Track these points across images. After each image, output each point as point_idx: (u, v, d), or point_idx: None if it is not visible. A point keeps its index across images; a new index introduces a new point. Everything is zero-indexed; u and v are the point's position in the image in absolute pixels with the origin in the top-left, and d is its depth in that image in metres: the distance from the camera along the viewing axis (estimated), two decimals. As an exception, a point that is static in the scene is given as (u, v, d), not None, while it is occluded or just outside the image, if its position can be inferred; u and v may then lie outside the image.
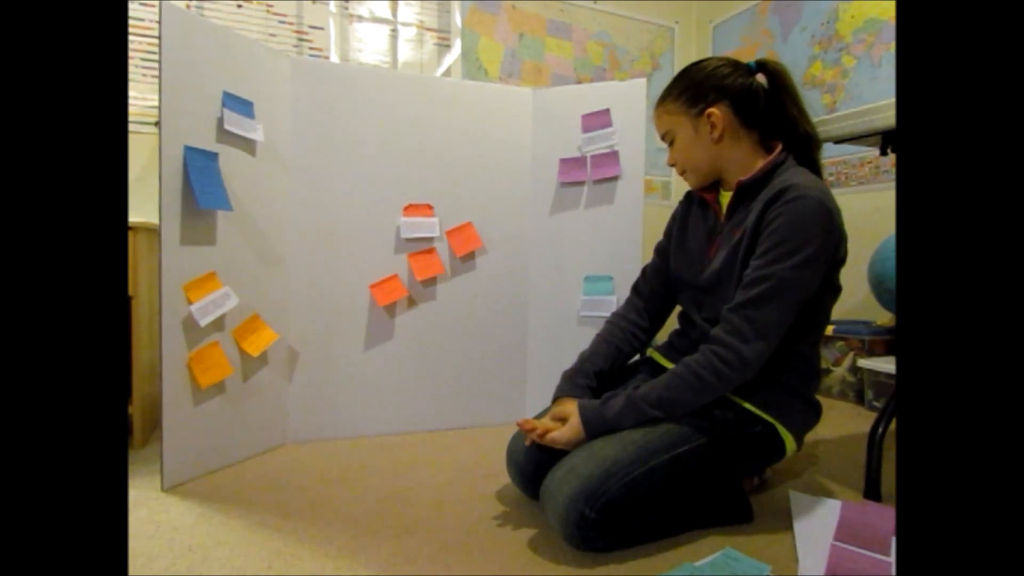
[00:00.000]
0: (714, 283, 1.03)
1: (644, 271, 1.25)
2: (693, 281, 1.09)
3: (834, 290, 1.03)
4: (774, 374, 1.00)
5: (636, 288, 1.25)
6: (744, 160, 1.03)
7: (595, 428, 0.96)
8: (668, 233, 1.21)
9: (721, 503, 1.02)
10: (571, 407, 1.00)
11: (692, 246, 1.12)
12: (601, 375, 1.15)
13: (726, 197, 1.08)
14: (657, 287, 1.21)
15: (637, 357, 1.24)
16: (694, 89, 1.03)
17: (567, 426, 0.98)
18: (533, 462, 1.03)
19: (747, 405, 1.00)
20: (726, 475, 1.03)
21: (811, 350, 1.05)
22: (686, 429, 0.95)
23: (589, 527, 0.86)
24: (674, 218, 1.21)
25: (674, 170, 1.12)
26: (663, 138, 1.10)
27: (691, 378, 0.94)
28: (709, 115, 1.02)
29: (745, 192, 1.01)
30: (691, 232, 1.14)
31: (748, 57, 1.09)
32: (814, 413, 1.06)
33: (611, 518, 0.87)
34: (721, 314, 0.96)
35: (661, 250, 1.22)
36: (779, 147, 1.02)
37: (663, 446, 0.92)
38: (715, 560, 0.87)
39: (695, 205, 1.16)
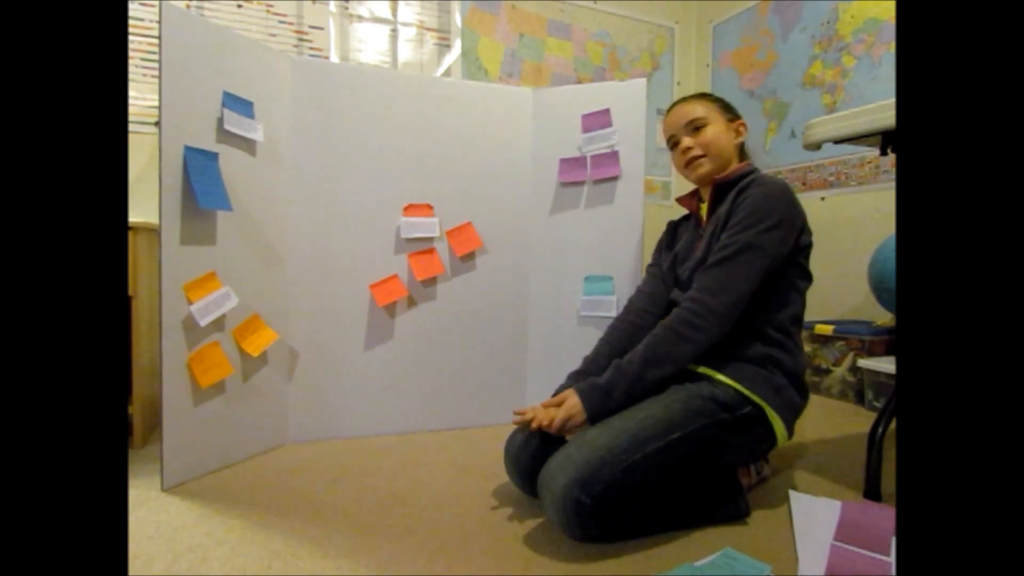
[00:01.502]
0: (696, 270, 1.13)
1: (639, 288, 1.33)
2: (682, 276, 1.21)
3: (805, 276, 1.11)
4: (760, 354, 1.05)
5: (634, 297, 1.31)
6: (726, 160, 1.19)
7: (591, 398, 1.00)
8: (658, 252, 1.35)
9: (717, 495, 1.02)
10: (566, 392, 1.04)
11: (681, 250, 1.24)
12: None
13: (704, 207, 1.21)
14: (654, 290, 1.28)
15: None
16: (725, 104, 1.21)
17: (564, 405, 1.01)
18: (530, 457, 1.04)
19: (737, 386, 1.03)
20: (720, 460, 1.04)
21: (792, 329, 1.10)
22: (678, 416, 0.97)
23: (586, 514, 0.87)
24: (661, 244, 1.34)
25: (674, 168, 1.22)
26: (691, 123, 1.17)
27: (667, 333, 1.02)
28: (740, 123, 1.20)
29: (721, 190, 1.15)
30: (680, 241, 1.27)
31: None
32: (801, 395, 1.09)
33: (607, 505, 0.88)
34: (700, 275, 1.06)
35: (653, 265, 1.33)
36: (749, 162, 1.20)
37: (656, 433, 0.95)
38: (715, 560, 0.87)
39: (680, 222, 1.32)
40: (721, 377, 1.05)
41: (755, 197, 1.04)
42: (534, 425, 1.00)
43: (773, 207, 1.02)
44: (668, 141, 1.24)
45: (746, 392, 1.03)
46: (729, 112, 1.20)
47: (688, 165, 1.18)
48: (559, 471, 0.91)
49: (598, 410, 0.99)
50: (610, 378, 1.01)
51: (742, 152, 1.21)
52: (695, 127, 1.17)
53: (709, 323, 1.00)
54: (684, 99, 1.22)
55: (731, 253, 1.02)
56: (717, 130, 1.16)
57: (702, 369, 1.08)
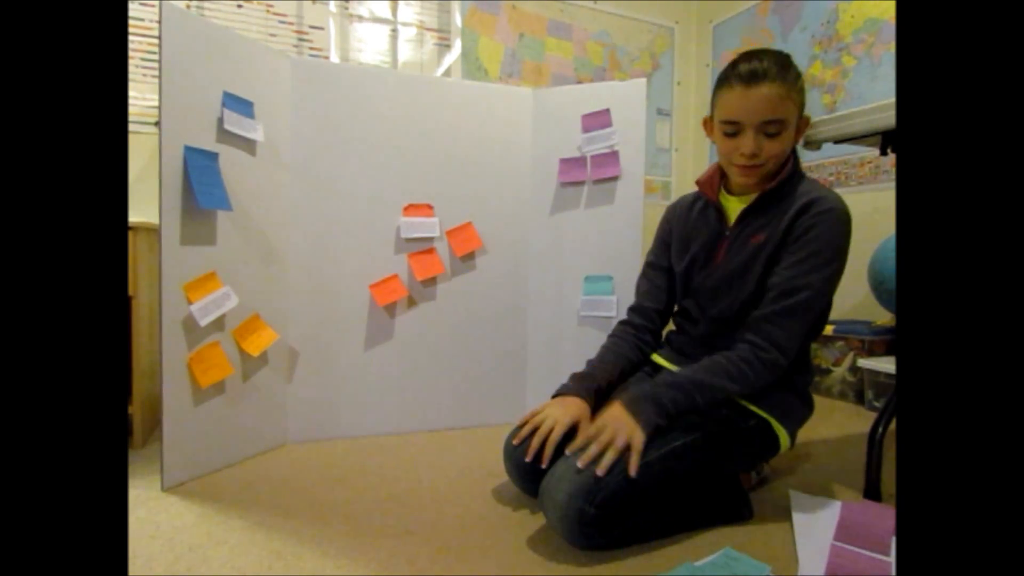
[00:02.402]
0: (724, 285, 1.06)
1: (639, 288, 1.25)
2: (698, 287, 1.11)
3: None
4: None
5: (633, 308, 1.25)
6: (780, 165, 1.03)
7: (639, 405, 0.93)
8: (663, 244, 1.21)
9: (721, 500, 1.02)
10: (612, 409, 0.95)
11: (697, 251, 1.12)
12: (611, 385, 1.14)
13: (730, 201, 1.09)
14: (656, 300, 1.21)
15: None
16: (804, 91, 1.00)
17: (612, 417, 0.92)
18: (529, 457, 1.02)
19: (741, 401, 1.02)
20: (722, 469, 1.03)
21: (805, 347, 1.07)
22: (680, 424, 0.96)
23: (589, 523, 0.87)
24: (669, 231, 1.20)
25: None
26: (770, 124, 0.95)
27: (732, 368, 0.96)
28: (806, 120, 1.03)
29: (767, 199, 1.03)
30: (694, 238, 1.14)
31: None
32: (807, 407, 1.08)
33: (611, 513, 0.88)
34: (757, 318, 0.98)
35: (655, 264, 1.22)
36: (792, 157, 1.03)
37: (658, 442, 0.93)
38: (715, 560, 0.87)
39: (695, 212, 1.16)
40: None
41: (822, 232, 0.95)
42: (581, 443, 0.92)
43: (838, 249, 0.96)
44: (725, 121, 0.99)
45: (752, 407, 1.02)
46: (803, 107, 1.00)
47: (742, 168, 1.00)
48: (562, 480, 0.90)
49: (655, 424, 0.93)
50: (658, 387, 0.95)
51: None
52: (770, 133, 0.96)
53: (771, 376, 0.97)
54: (774, 79, 0.93)
55: (800, 302, 0.95)
56: (790, 138, 0.98)
57: None
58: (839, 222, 0.96)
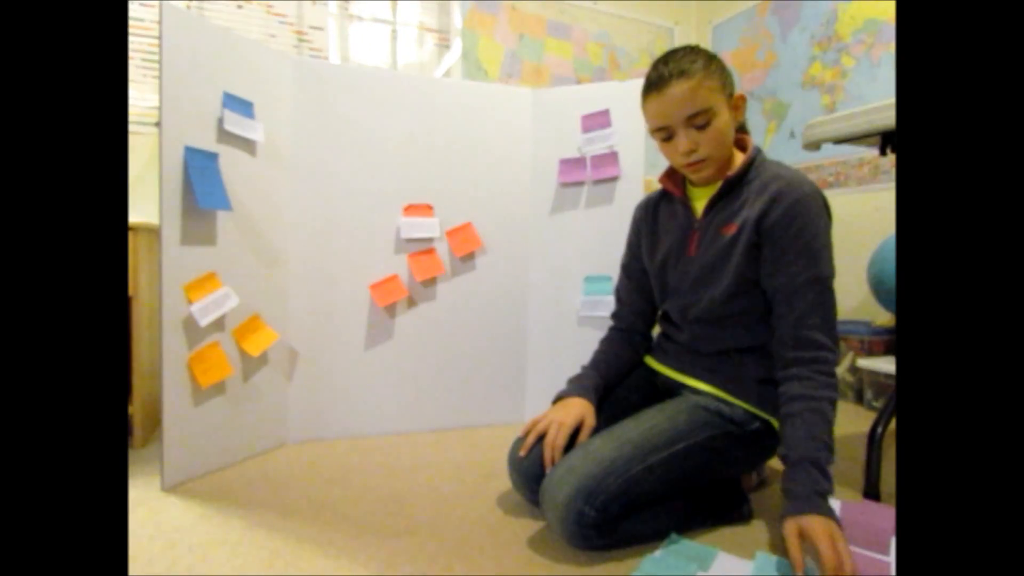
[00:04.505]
0: (700, 281, 1.03)
1: (617, 294, 1.25)
2: (676, 284, 1.08)
3: None
4: (768, 372, 0.99)
5: (615, 314, 1.24)
6: (731, 150, 1.03)
7: (813, 502, 0.81)
8: (634, 246, 1.21)
9: (721, 501, 1.02)
10: (801, 523, 0.80)
11: (669, 247, 1.10)
12: (610, 381, 1.15)
13: (697, 192, 1.07)
14: (633, 304, 1.21)
15: None
16: (724, 70, 0.99)
17: (820, 531, 0.77)
18: (538, 464, 1.00)
19: (745, 405, 1.00)
20: (724, 472, 1.03)
21: None
22: (683, 427, 0.96)
23: (589, 525, 0.87)
24: (637, 231, 1.20)
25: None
26: (695, 117, 0.96)
27: (827, 407, 0.89)
28: (739, 97, 1.01)
29: (732, 185, 1.01)
30: (664, 234, 1.12)
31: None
32: None
33: (611, 516, 0.88)
34: (789, 326, 0.93)
35: (627, 267, 1.22)
36: (749, 140, 1.04)
37: (660, 444, 0.93)
38: (665, 548, 0.90)
39: (662, 206, 1.15)
40: (727, 396, 1.01)
41: (804, 221, 0.93)
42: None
43: (822, 229, 0.94)
44: (654, 129, 1.01)
45: (755, 411, 1.00)
46: (730, 86, 0.99)
47: (689, 166, 1.00)
48: (562, 482, 0.90)
49: (827, 499, 0.83)
50: (814, 478, 0.83)
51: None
52: (698, 125, 0.96)
53: (835, 381, 0.91)
54: (679, 76, 0.94)
55: (818, 298, 0.92)
56: (722, 124, 0.96)
57: (709, 388, 1.04)
58: (817, 208, 0.94)
